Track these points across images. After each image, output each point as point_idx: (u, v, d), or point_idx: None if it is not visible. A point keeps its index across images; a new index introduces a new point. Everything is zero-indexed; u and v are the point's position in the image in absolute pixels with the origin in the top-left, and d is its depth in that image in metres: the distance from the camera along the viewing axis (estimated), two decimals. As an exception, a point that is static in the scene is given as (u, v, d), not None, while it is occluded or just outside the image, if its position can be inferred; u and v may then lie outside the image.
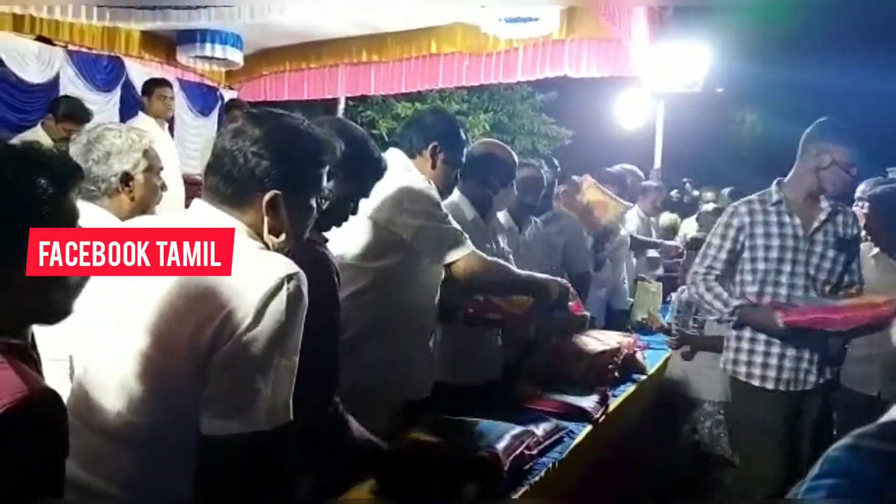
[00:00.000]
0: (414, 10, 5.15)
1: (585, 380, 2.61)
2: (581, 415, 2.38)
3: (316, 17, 5.48)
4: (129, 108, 5.69)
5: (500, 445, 1.83)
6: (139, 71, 5.96)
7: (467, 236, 1.99)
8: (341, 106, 7.11)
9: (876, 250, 2.96)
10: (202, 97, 6.85)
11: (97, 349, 1.20)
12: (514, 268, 2.20)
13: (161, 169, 1.94)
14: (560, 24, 4.90)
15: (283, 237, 1.21)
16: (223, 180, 1.18)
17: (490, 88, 9.43)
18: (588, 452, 2.29)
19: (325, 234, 1.65)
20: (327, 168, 1.29)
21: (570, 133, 10.19)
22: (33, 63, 5.15)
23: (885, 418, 0.39)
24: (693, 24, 5.32)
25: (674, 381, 3.30)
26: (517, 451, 1.86)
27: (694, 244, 3.48)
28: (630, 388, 2.84)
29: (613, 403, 2.64)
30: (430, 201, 1.98)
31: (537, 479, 1.90)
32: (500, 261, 2.15)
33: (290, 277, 1.11)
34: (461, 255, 1.96)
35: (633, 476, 2.88)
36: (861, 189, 3.73)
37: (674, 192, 6.89)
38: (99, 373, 1.18)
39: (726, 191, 4.76)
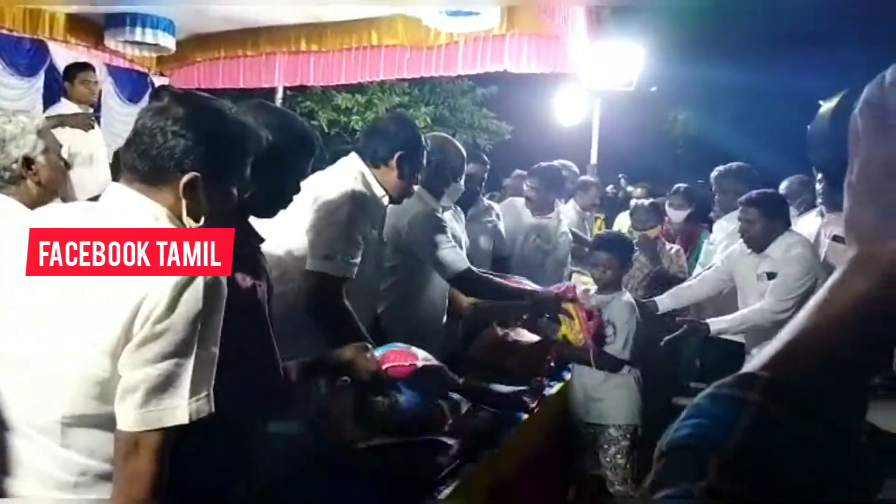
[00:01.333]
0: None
1: (521, 371, 2.67)
2: (518, 405, 2.44)
3: (253, 4, 5.35)
4: (53, 94, 5.40)
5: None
6: (64, 55, 5.66)
7: (348, 258, 1.91)
8: (279, 95, 6.95)
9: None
10: (131, 83, 6.58)
11: (5, 344, 1.14)
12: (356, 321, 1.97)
13: (60, 147, 1.88)
14: (501, 19, 4.93)
15: (201, 222, 1.18)
16: (140, 158, 1.15)
17: (431, 81, 9.40)
18: (524, 441, 2.35)
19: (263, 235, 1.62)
20: (251, 157, 1.27)
21: (511, 128, 10.31)
22: (-53, 43, 4.85)
23: (742, 370, 0.47)
24: (629, 24, 5.46)
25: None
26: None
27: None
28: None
29: (548, 393, 2.71)
30: (343, 209, 1.94)
31: (476, 466, 1.94)
32: (349, 312, 1.93)
33: None
34: (320, 269, 1.88)
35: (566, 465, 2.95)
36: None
37: (609, 188, 7.08)
38: (9, 368, 1.13)
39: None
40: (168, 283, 1.06)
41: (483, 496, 2.01)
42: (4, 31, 5.15)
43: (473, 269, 2.52)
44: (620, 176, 8.21)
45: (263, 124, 1.41)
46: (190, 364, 1.08)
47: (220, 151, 1.20)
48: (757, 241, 3.00)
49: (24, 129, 1.76)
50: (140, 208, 1.15)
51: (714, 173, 3.85)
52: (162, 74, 6.88)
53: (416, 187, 2.50)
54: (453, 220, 2.77)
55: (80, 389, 1.09)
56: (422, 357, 1.85)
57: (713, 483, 0.41)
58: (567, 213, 4.69)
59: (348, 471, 1.73)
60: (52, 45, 5.60)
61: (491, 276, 2.64)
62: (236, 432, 1.41)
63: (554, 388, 2.80)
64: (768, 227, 2.97)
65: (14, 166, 1.74)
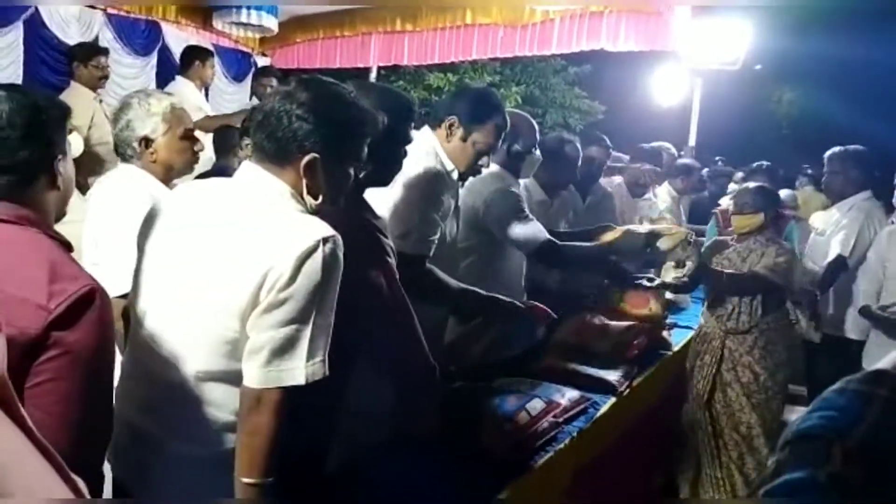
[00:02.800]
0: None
1: (611, 354, 2.64)
2: (606, 388, 2.42)
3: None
4: (166, 72, 5.75)
5: (531, 407, 1.89)
6: (176, 36, 6.01)
7: (426, 234, 1.92)
8: (373, 75, 7.09)
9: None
10: (237, 63, 6.89)
11: (153, 303, 1.27)
12: (449, 282, 2.05)
13: (189, 130, 2.01)
14: (598, -4, 4.81)
15: (320, 199, 1.27)
16: (267, 139, 1.25)
17: (523, 61, 9.32)
18: (611, 424, 2.33)
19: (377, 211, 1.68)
20: (368, 139, 1.33)
21: (603, 108, 10.05)
22: (74, 26, 5.23)
23: (871, 368, 0.51)
24: (744, 2, 5.19)
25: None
26: (546, 417, 1.91)
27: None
28: (655, 365, 2.87)
29: (638, 378, 2.67)
30: (417, 188, 1.95)
31: (561, 446, 1.95)
32: (438, 273, 2.02)
33: (325, 240, 1.17)
34: (402, 248, 1.86)
35: (652, 451, 2.91)
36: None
37: (705, 171, 6.78)
38: (156, 325, 1.26)
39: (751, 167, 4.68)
40: (291, 254, 1.15)
41: (567, 477, 2.02)
42: (122, 13, 5.50)
43: (554, 240, 2.46)
44: (717, 158, 7.84)
45: (371, 102, 1.46)
46: (308, 330, 1.16)
47: (339, 134, 1.27)
48: None
49: (148, 110, 1.91)
50: (267, 185, 1.25)
51: (827, 154, 3.61)
52: (264, 54, 7.16)
53: (493, 167, 2.51)
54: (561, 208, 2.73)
55: (213, 348, 1.20)
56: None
57: (838, 469, 0.43)
58: (661, 196, 4.58)
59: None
60: (164, 26, 5.92)
61: (575, 244, 2.57)
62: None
63: (644, 374, 2.75)
64: None
65: (135, 143, 1.91)
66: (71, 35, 5.14)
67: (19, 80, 4.94)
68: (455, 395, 1.95)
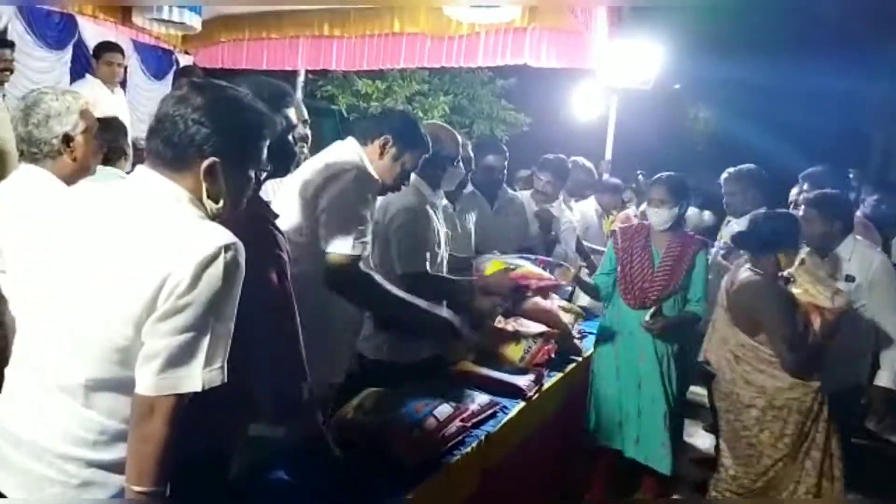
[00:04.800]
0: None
1: (523, 360, 2.75)
2: (516, 392, 2.51)
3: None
4: (81, 68, 5.52)
5: (439, 413, 1.94)
6: (93, 31, 5.77)
7: (363, 236, 1.97)
8: (301, 79, 7.03)
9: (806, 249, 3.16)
10: (157, 61, 6.68)
11: (42, 310, 1.24)
12: (391, 288, 2.10)
13: (97, 128, 1.97)
14: (522, 13, 4.96)
15: (221, 203, 1.27)
16: (164, 144, 1.24)
17: (451, 71, 9.45)
18: (520, 427, 2.42)
19: (276, 211, 1.70)
20: (267, 142, 1.34)
21: (528, 120, 10.32)
22: (-21, 15, 4.96)
23: None
24: (649, 22, 5.46)
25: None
26: (454, 421, 1.97)
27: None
28: (565, 370, 3.00)
29: (548, 383, 2.78)
30: (354, 186, 1.99)
31: (469, 449, 2.02)
32: (378, 278, 2.08)
33: (227, 247, 1.18)
34: (339, 250, 1.94)
35: (558, 454, 3.03)
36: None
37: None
38: (44, 333, 1.23)
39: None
40: (192, 260, 1.15)
41: (474, 480, 2.09)
42: (35, 4, 5.26)
43: (428, 273, 2.52)
44: (639, 172, 8.19)
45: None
46: (207, 337, 1.17)
47: (237, 138, 1.28)
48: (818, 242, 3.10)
49: (68, 107, 1.86)
50: (162, 190, 1.24)
51: (724, 176, 3.87)
52: (187, 53, 6.98)
53: (413, 177, 2.57)
54: (465, 211, 2.80)
55: (103, 355, 1.19)
56: None
57: None
58: (585, 211, 4.75)
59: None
60: (81, 20, 5.69)
61: (439, 277, 2.60)
62: (248, 402, 1.50)
63: (553, 379, 2.87)
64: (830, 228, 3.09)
65: (54, 141, 1.84)
66: (-25, 25, 4.87)
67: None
68: (363, 401, 1.99)
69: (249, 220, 1.35)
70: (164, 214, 1.21)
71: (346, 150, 2.16)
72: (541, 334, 2.86)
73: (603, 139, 5.66)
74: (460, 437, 2.01)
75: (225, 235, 1.20)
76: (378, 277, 2.06)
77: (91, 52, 5.09)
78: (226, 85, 1.33)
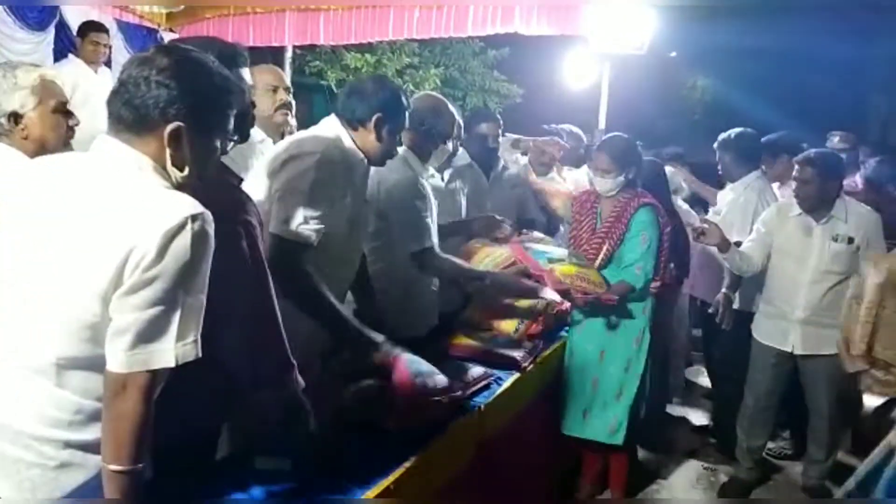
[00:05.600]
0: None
1: (517, 331, 2.72)
2: (510, 364, 2.49)
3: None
4: (64, 49, 5.42)
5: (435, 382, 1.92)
6: (75, 11, 5.65)
7: (308, 222, 1.87)
8: (289, 54, 6.92)
9: (797, 211, 3.14)
10: (141, 39, 6.55)
11: (7, 288, 1.20)
12: (328, 295, 1.92)
13: (62, 103, 1.89)
14: (511, -21, 4.86)
15: (186, 171, 1.22)
16: (125, 107, 1.18)
17: (442, 42, 9.29)
18: (515, 397, 2.41)
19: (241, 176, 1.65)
20: (233, 110, 1.29)
21: (521, 91, 10.18)
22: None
23: None
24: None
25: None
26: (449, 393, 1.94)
27: None
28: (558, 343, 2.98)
29: (542, 354, 2.76)
30: (309, 173, 1.89)
31: (463, 419, 2.01)
32: (316, 280, 1.89)
33: (194, 217, 1.13)
34: (277, 232, 1.84)
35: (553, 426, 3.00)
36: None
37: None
38: (11, 311, 1.19)
39: (668, 151, 4.87)
40: (157, 231, 1.10)
41: (469, 451, 2.07)
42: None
43: (437, 250, 2.48)
44: (638, 143, 8.05)
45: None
46: (178, 310, 1.13)
47: (203, 102, 1.22)
48: (814, 203, 3.05)
49: (16, 83, 1.79)
50: (125, 158, 1.18)
51: (718, 139, 3.81)
52: (171, 30, 6.84)
53: (401, 149, 2.51)
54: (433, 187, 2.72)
55: (73, 332, 1.15)
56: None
57: None
58: (578, 180, 4.69)
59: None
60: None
61: (452, 261, 2.57)
62: (228, 375, 1.46)
63: (549, 349, 2.85)
64: (826, 188, 3.02)
65: (2, 119, 1.77)
66: (-48, 6, 4.76)
67: None
68: (358, 375, 1.96)
69: (213, 186, 1.29)
70: (126, 184, 1.16)
71: (322, 129, 2.07)
72: (535, 306, 2.83)
73: (596, 108, 5.58)
74: (455, 407, 1.99)
75: (191, 205, 1.15)
76: (317, 280, 1.89)
77: (75, 33, 4.98)
78: (192, 48, 1.28)
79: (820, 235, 3.07)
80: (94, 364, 1.15)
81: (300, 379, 1.61)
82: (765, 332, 3.26)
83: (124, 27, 6.34)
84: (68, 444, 1.18)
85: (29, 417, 1.17)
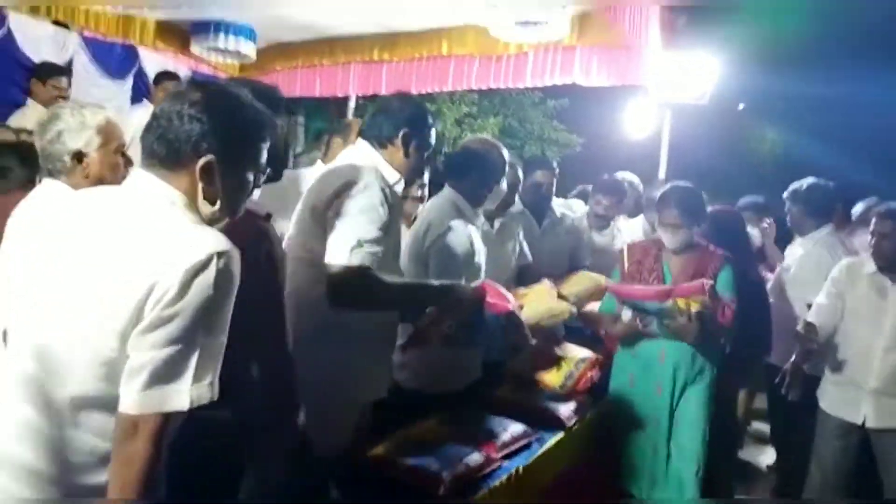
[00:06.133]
0: (425, 9, 5.14)
1: (564, 387, 2.59)
2: (554, 422, 2.37)
3: (329, 14, 5.50)
4: (140, 96, 5.74)
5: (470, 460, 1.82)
6: (153, 60, 6.00)
7: (369, 249, 1.82)
8: (352, 104, 7.12)
9: (872, 269, 2.90)
10: (215, 89, 6.88)
11: (31, 321, 1.20)
12: (394, 280, 1.95)
13: (122, 145, 1.95)
14: (570, 30, 4.86)
15: (217, 206, 1.20)
16: (157, 141, 1.18)
17: (501, 93, 9.40)
18: (558, 460, 2.27)
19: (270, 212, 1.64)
20: (266, 144, 1.27)
21: (581, 140, 10.14)
22: (48, 46, 5.20)
23: None
24: (707, 35, 5.26)
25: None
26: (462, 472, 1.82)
27: None
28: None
29: (590, 412, 2.62)
30: (362, 195, 1.86)
31: (498, 483, 1.89)
32: (375, 276, 1.86)
33: (220, 254, 1.11)
34: (338, 263, 1.79)
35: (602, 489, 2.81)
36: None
37: None
38: (31, 346, 1.19)
39: (745, 200, 4.67)
40: (181, 267, 1.08)
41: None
42: (98, 36, 5.50)
43: None
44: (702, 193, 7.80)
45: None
46: (195, 350, 1.10)
47: (235, 136, 1.21)
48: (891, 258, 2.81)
49: (82, 124, 1.86)
50: (157, 193, 1.18)
51: (788, 191, 3.62)
52: (243, 81, 7.17)
53: (450, 192, 2.47)
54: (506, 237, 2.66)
55: (90, 369, 1.13)
56: (513, 302, 2.11)
57: None
58: (634, 229, 4.57)
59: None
60: (141, 50, 5.92)
61: None
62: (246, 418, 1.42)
63: (597, 409, 2.70)
64: None
65: (66, 157, 1.83)
66: (45, 57, 5.09)
67: (-11, 101, 4.90)
68: (399, 440, 1.91)
69: (239, 220, 1.28)
70: (155, 219, 1.16)
71: (358, 157, 2.03)
72: (584, 359, 2.70)
73: (657, 158, 5.45)
74: (489, 470, 1.88)
75: (218, 241, 1.13)
76: (375, 275, 1.86)
77: (151, 81, 5.27)
78: (225, 83, 1.29)
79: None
80: (109, 405, 1.13)
81: (302, 418, 1.56)
82: (833, 401, 2.98)
83: (199, 77, 6.67)
84: (77, 487, 1.15)
85: (39, 457, 1.15)
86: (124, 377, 1.10)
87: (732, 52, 5.69)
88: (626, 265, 2.89)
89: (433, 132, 2.11)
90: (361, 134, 2.08)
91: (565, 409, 2.44)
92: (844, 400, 2.92)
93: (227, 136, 1.19)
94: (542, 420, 2.34)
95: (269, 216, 1.60)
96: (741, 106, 13.46)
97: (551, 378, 2.61)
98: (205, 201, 1.20)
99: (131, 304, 1.08)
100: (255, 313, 1.29)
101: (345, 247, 1.79)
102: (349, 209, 1.84)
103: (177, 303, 1.08)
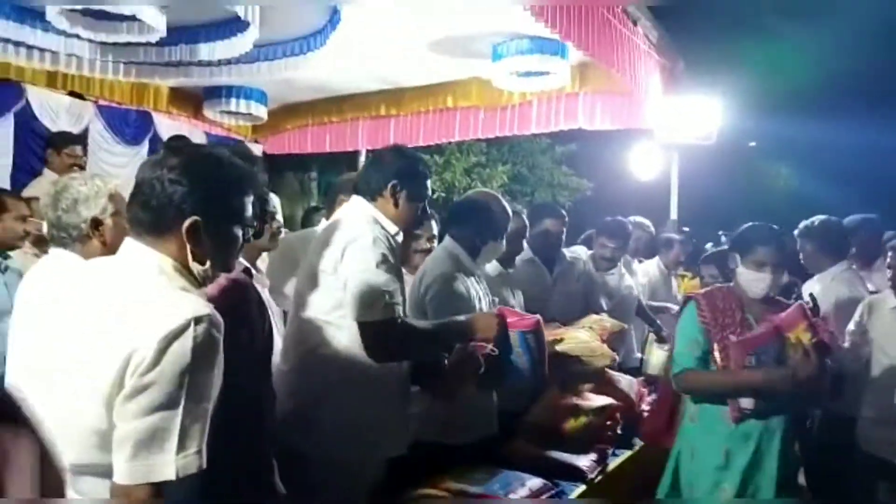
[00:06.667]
0: (429, 65, 5.26)
1: (582, 437, 2.53)
2: (575, 474, 2.30)
3: (336, 74, 5.64)
4: (154, 161, 5.86)
5: None
6: (167, 125, 6.16)
7: (391, 300, 1.85)
8: (362, 158, 7.23)
9: (895, 303, 2.85)
10: (228, 150, 7.02)
11: (29, 390, 1.19)
12: (420, 322, 2.04)
13: None
14: (572, 78, 4.94)
15: (207, 265, 1.21)
16: (142, 209, 1.20)
17: (509, 141, 9.52)
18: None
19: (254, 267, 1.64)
20: (250, 197, 1.29)
21: (591, 184, 10.19)
22: (64, 116, 5.37)
23: None
24: (709, 79, 5.32)
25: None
26: None
27: None
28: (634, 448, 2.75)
29: (613, 463, 2.54)
30: (369, 251, 1.88)
31: (517, 541, 1.82)
32: (406, 323, 1.95)
33: (198, 320, 1.10)
34: (369, 318, 1.83)
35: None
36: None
37: (709, 245, 6.69)
38: (45, 416, 1.18)
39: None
40: (156, 335, 1.08)
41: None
42: (113, 104, 5.66)
43: None
44: (721, 233, 7.77)
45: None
46: (177, 418, 1.08)
47: (217, 193, 1.23)
48: None
49: (97, 192, 1.89)
50: (144, 261, 1.19)
51: (799, 227, 3.59)
52: (256, 142, 7.33)
53: (449, 242, 2.47)
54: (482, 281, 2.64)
55: (83, 438, 1.12)
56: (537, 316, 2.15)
57: None
58: (649, 272, 4.55)
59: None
60: (155, 116, 6.09)
61: None
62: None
63: (619, 458, 2.62)
64: None
65: (83, 225, 1.86)
66: (61, 126, 5.26)
67: (9, 171, 5.03)
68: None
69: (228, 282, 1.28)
70: (139, 287, 1.16)
71: (356, 213, 2.05)
72: (603, 408, 2.64)
73: (667, 198, 5.46)
74: (508, 528, 1.82)
75: (196, 307, 1.13)
76: (406, 322, 1.94)
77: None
78: (202, 144, 1.31)
79: None
80: (106, 472, 1.12)
81: (279, 486, 1.52)
82: (870, 440, 2.89)
83: (212, 139, 6.82)
84: None
85: None
86: (114, 447, 1.09)
87: (738, 93, 5.75)
88: (707, 315, 2.41)
89: (426, 183, 2.11)
90: (355, 189, 2.10)
91: (585, 461, 2.37)
92: (882, 438, 2.82)
93: (208, 194, 1.21)
94: (561, 473, 2.27)
95: (248, 271, 1.61)
96: (752, 143, 13.51)
97: (569, 428, 2.54)
98: (195, 262, 1.21)
99: (112, 373, 1.08)
100: (232, 368, 1.28)
101: (372, 302, 1.81)
102: (363, 264, 1.85)
103: (151, 370, 1.07)
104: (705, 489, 2.33)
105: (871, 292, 3.30)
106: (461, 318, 2.10)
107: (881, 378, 2.85)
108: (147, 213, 1.20)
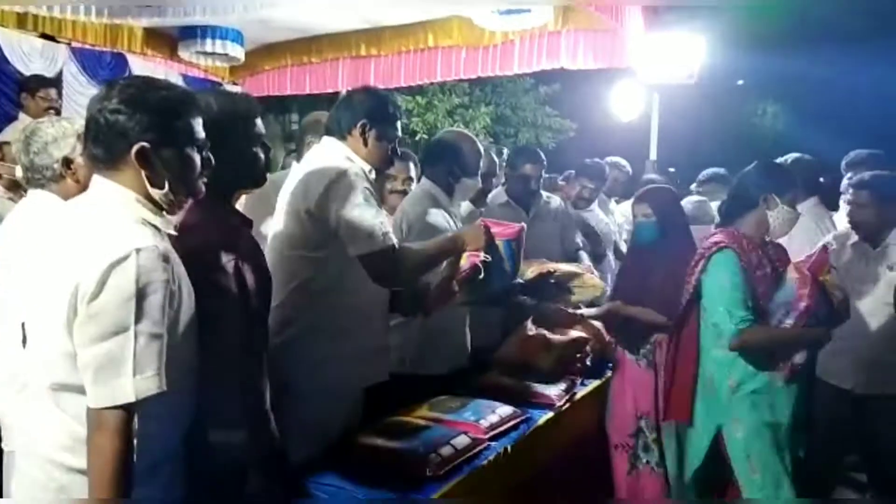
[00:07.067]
0: (409, 3, 5.15)
1: (553, 370, 2.63)
2: (544, 403, 2.40)
3: (315, 13, 5.52)
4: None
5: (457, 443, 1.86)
6: (142, 67, 6.02)
7: (384, 229, 1.90)
8: (343, 99, 7.15)
9: (855, 238, 2.94)
10: (206, 92, 6.91)
11: (16, 316, 1.29)
12: (414, 244, 2.10)
13: None
14: (554, 16, 4.87)
15: (166, 189, 1.25)
16: (93, 144, 1.24)
17: (492, 81, 9.41)
18: (549, 440, 2.31)
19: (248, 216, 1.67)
20: (196, 118, 1.30)
21: (574, 125, 10.14)
22: (37, 60, 5.25)
23: None
24: (692, 16, 5.26)
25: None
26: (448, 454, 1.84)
27: None
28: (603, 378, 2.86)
29: (581, 392, 2.66)
30: (353, 188, 1.90)
31: (485, 462, 1.93)
32: (403, 244, 2.03)
33: (140, 250, 1.15)
34: (369, 250, 1.88)
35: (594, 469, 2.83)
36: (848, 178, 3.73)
37: (693, 186, 6.70)
38: (19, 338, 1.27)
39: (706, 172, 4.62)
40: (98, 264, 1.13)
41: (497, 493, 1.99)
42: (87, 46, 5.53)
43: None
44: (670, 169, 7.79)
45: (212, 106, 1.48)
46: (130, 343, 1.14)
47: (160, 116, 1.24)
48: (870, 229, 2.82)
49: (65, 132, 1.91)
50: (104, 195, 1.24)
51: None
52: (234, 83, 7.20)
53: (426, 183, 2.50)
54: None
55: (58, 360, 1.19)
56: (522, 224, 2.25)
57: None
58: (626, 211, 4.60)
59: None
60: (130, 58, 5.96)
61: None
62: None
63: (588, 387, 2.74)
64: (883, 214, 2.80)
65: (55, 166, 1.89)
66: (34, 69, 5.13)
67: (-19, 115, 4.95)
68: (386, 426, 1.95)
69: (214, 223, 1.32)
70: (96, 221, 1.21)
71: (330, 152, 2.05)
72: (575, 340, 2.74)
73: (647, 139, 5.48)
74: (475, 452, 1.92)
75: (140, 238, 1.18)
76: (404, 247, 2.00)
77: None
78: (142, 76, 1.34)
79: (875, 263, 2.86)
80: (83, 390, 1.18)
81: (275, 432, 1.57)
82: (829, 371, 3.02)
83: (190, 82, 6.69)
84: (70, 469, 1.21)
85: (42, 440, 1.23)
86: (80, 373, 1.16)
87: (722, 30, 5.69)
88: (745, 262, 2.31)
89: (396, 123, 2.12)
90: (326, 129, 2.11)
91: (555, 391, 2.48)
92: (837, 367, 2.95)
93: (151, 118, 1.23)
94: (531, 402, 2.38)
95: (248, 222, 1.64)
96: (740, 82, 13.39)
97: (541, 361, 2.65)
98: (153, 188, 1.24)
99: (66, 302, 1.14)
100: (218, 315, 1.33)
101: (370, 235, 1.86)
102: (352, 202, 1.88)
103: (96, 298, 1.13)
104: (766, 456, 2.26)
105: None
106: (450, 234, 2.19)
107: None
108: (98, 148, 1.23)
